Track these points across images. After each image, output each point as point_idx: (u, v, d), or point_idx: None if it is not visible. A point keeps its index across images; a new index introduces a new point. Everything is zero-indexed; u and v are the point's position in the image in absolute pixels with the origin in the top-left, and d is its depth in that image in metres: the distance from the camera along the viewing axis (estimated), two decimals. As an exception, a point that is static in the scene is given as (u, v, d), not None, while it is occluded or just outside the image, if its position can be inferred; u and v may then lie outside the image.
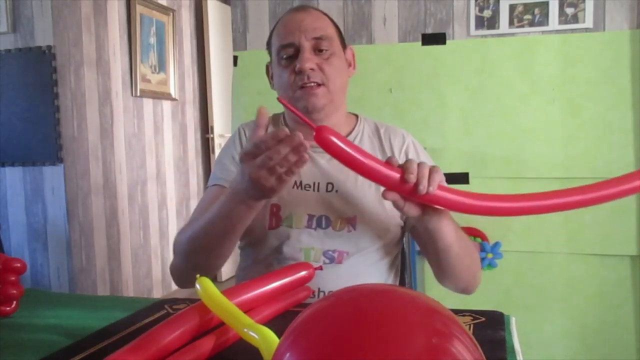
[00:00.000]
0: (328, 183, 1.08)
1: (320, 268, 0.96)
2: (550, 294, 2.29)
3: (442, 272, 1.00)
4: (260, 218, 1.06)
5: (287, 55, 1.06)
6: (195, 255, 0.96)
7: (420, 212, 0.84)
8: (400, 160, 1.10)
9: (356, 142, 1.12)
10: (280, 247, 1.04)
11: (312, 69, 1.04)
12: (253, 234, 1.08)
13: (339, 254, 1.05)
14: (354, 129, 1.15)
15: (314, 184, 1.08)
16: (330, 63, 1.06)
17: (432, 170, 0.78)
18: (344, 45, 1.13)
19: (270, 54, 1.13)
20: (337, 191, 1.07)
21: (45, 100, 2.50)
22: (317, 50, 1.05)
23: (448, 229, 0.89)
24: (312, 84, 1.04)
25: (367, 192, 1.07)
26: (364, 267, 1.06)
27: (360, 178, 1.06)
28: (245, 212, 0.88)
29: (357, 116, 1.19)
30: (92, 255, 2.76)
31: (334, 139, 0.76)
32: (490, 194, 0.81)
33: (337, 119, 1.11)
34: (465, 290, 1.05)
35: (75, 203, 2.64)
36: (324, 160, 1.09)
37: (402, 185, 0.77)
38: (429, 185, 0.77)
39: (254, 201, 0.87)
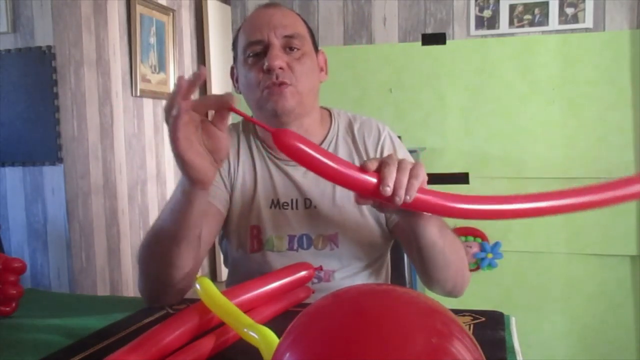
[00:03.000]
0: (306, 199, 1.03)
1: (320, 268, 0.96)
2: (550, 294, 2.29)
3: (428, 273, 0.92)
4: (243, 241, 1.04)
5: (254, 53, 0.98)
6: (150, 263, 0.88)
7: (399, 209, 0.76)
8: (377, 156, 1.04)
9: (331, 146, 1.06)
10: (264, 272, 0.97)
11: (281, 68, 0.95)
12: (236, 257, 1.06)
13: (325, 273, 1.02)
14: (328, 132, 1.08)
15: (292, 201, 1.03)
16: (301, 63, 0.98)
17: (412, 174, 0.71)
18: (316, 49, 1.05)
19: (235, 54, 1.05)
20: (315, 207, 1.02)
21: (45, 100, 2.50)
22: (288, 48, 0.98)
23: (430, 227, 0.82)
24: (281, 85, 0.96)
25: (347, 205, 1.02)
26: (352, 280, 1.04)
27: (339, 192, 1.02)
28: (186, 205, 0.79)
29: (330, 114, 1.11)
30: (92, 255, 2.76)
31: (297, 144, 0.68)
32: (474, 196, 0.75)
33: (309, 123, 1.04)
34: (453, 291, 0.97)
35: (75, 203, 2.64)
36: (299, 174, 1.04)
37: (378, 193, 0.70)
38: (406, 194, 0.70)
39: (188, 184, 0.78)
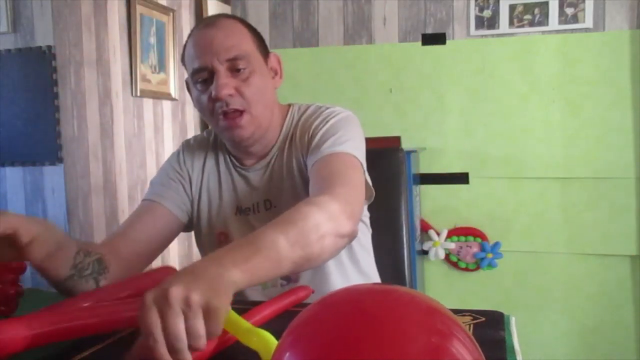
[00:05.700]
0: (265, 201, 1.04)
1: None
2: (550, 294, 2.29)
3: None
4: (212, 249, 1.01)
5: (202, 79, 0.97)
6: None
7: None
8: (306, 138, 1.01)
9: (270, 165, 1.05)
10: None
11: (230, 95, 0.95)
12: None
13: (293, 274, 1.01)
14: (280, 134, 1.06)
15: (254, 205, 1.04)
16: (249, 84, 0.96)
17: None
18: (265, 54, 1.02)
19: (186, 70, 1.03)
20: (276, 207, 1.02)
21: (45, 100, 2.50)
22: (234, 70, 0.96)
23: (263, 266, 0.70)
24: (234, 112, 0.96)
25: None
26: (321, 275, 1.03)
27: (298, 188, 1.01)
28: None
29: (289, 111, 1.08)
30: (92, 255, 2.76)
31: None
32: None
33: (268, 139, 1.04)
34: (350, 234, 0.86)
35: (75, 203, 2.64)
36: (257, 177, 1.05)
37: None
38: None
39: None
